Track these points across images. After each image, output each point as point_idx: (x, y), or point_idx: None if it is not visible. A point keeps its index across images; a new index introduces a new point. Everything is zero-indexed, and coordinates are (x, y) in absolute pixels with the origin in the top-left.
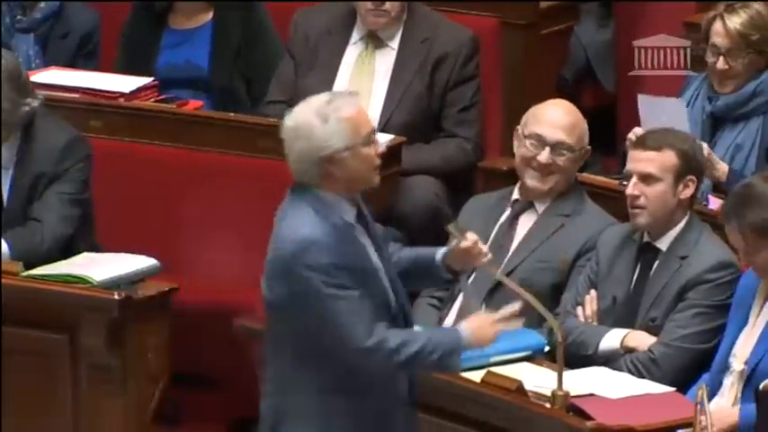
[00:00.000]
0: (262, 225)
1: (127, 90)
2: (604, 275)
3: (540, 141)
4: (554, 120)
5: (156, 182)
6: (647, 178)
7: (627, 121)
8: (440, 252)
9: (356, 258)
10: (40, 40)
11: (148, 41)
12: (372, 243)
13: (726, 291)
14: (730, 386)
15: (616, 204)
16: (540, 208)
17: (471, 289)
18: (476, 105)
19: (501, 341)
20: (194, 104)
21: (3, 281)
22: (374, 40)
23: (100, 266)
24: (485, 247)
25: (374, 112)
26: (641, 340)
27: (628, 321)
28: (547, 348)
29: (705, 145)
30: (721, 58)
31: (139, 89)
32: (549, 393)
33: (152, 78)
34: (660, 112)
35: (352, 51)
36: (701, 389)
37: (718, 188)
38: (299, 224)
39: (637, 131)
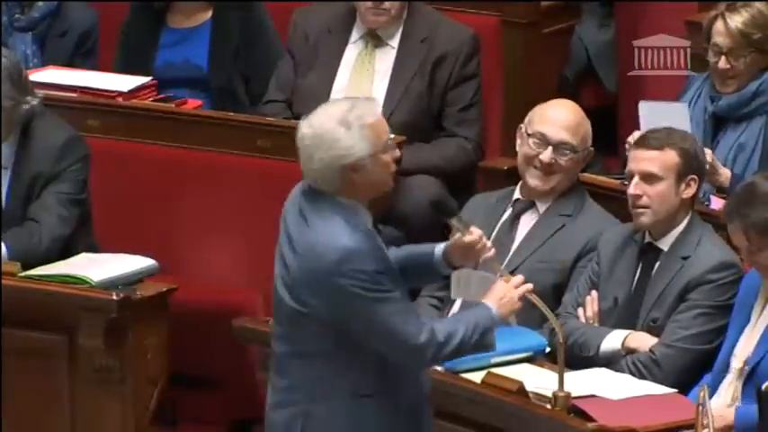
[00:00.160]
0: (261, 224)
1: (125, 89)
2: (605, 276)
3: (544, 140)
4: (558, 119)
5: (155, 181)
6: (649, 177)
7: (627, 121)
8: (439, 247)
9: (388, 262)
10: (37, 38)
11: (147, 40)
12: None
13: (728, 291)
14: (728, 385)
15: (617, 204)
16: (542, 208)
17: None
18: (476, 105)
19: (502, 342)
20: (193, 104)
21: (1, 282)
22: (374, 39)
23: (98, 267)
24: (488, 242)
25: None
26: (642, 341)
27: (629, 322)
28: (548, 349)
29: (708, 151)
30: (723, 58)
31: (138, 88)
32: (550, 394)
33: (151, 77)
34: (661, 116)
35: (352, 50)
36: (702, 390)
37: (720, 189)
38: (335, 234)
39: (636, 135)
